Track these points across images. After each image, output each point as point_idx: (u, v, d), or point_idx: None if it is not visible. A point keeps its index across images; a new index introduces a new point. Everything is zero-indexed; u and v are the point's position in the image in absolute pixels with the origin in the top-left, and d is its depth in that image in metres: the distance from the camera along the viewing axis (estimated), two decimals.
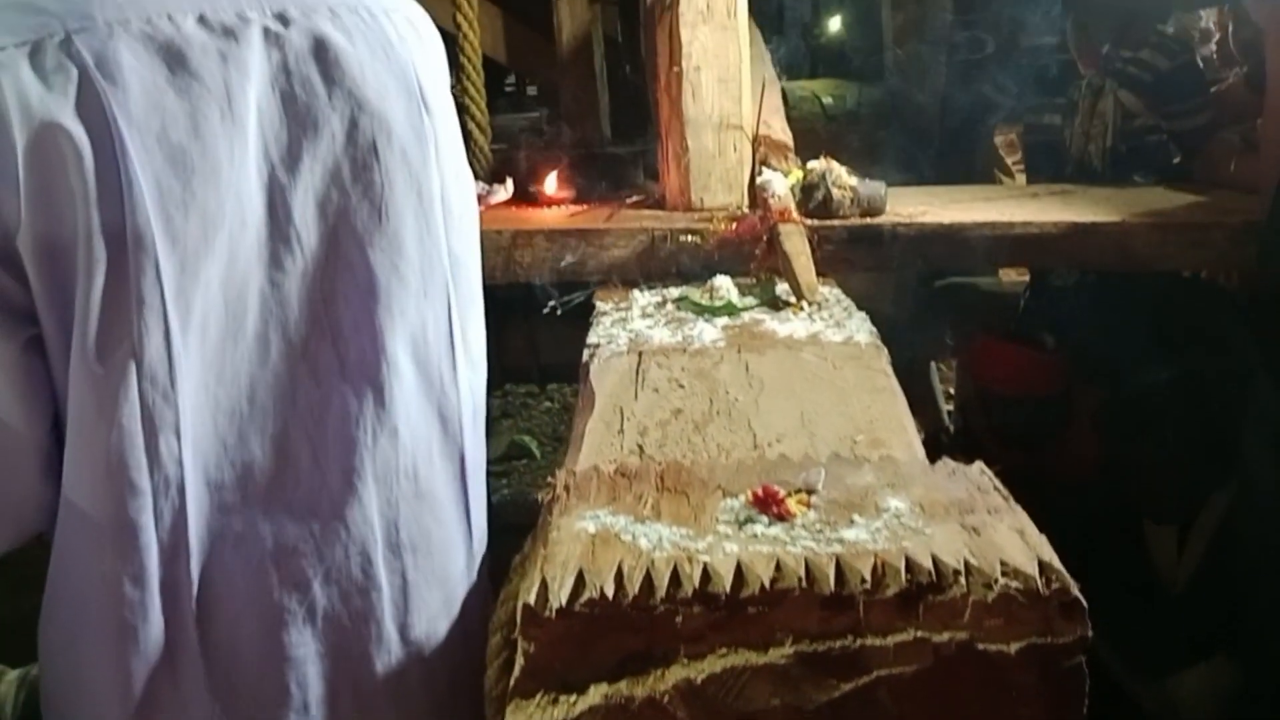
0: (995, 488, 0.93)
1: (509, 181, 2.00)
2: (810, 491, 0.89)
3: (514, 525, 1.20)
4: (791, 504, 0.86)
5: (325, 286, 0.86)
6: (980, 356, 2.89)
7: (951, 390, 3.99)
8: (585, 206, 1.97)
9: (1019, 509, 0.90)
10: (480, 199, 1.72)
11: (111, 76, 0.74)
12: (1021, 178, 3.54)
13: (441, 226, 0.93)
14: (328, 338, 0.87)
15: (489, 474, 1.22)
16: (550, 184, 1.97)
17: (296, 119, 0.84)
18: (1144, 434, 2.36)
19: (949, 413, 3.89)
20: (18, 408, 0.79)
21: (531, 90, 4.42)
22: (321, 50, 0.85)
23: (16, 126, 0.71)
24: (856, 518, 0.85)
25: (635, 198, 1.95)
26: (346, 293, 0.87)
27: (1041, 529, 0.86)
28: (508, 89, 4.61)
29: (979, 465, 0.98)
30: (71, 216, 0.74)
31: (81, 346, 0.76)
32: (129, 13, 0.76)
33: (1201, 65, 2.89)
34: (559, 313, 1.77)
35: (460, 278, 0.98)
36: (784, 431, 1.20)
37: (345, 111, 0.86)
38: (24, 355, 0.78)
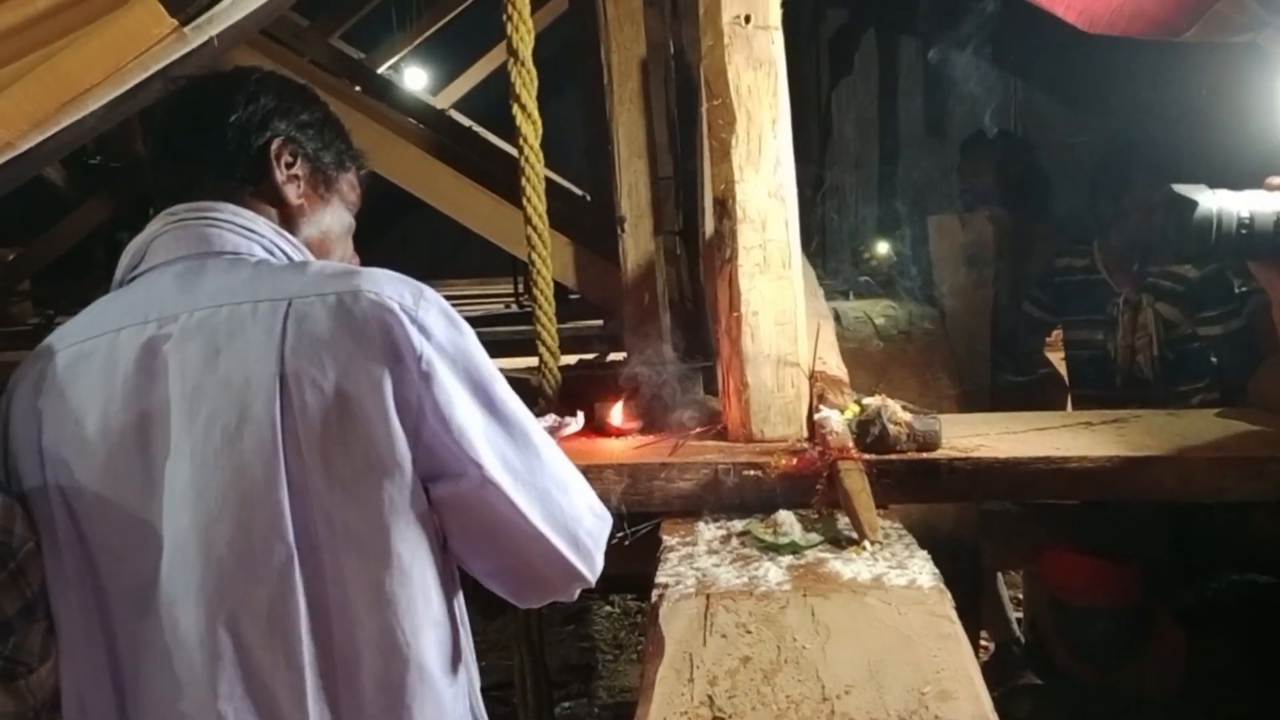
0: None
1: (580, 415, 2.11)
2: None
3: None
4: None
5: None
6: (1051, 567, 2.86)
7: (1020, 596, 3.92)
8: (652, 437, 2.06)
9: None
10: (552, 431, 1.82)
11: None
12: None
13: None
14: None
15: (551, 686, 1.33)
16: (617, 415, 2.08)
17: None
18: (1221, 631, 2.31)
19: (1018, 621, 3.80)
20: None
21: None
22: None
23: None
24: None
25: (699, 429, 2.04)
26: None
27: None
28: (571, 296, 4.84)
29: None
30: None
31: None
32: None
33: (1227, 275, 3.00)
34: (626, 543, 1.83)
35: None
36: (852, 682, 1.23)
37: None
38: None
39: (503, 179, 3.40)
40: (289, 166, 1.22)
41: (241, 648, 1.02)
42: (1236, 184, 1.66)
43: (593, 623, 4.60)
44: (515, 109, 2.36)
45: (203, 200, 1.17)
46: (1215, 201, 1.63)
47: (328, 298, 1.05)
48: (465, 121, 5.54)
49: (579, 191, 5.24)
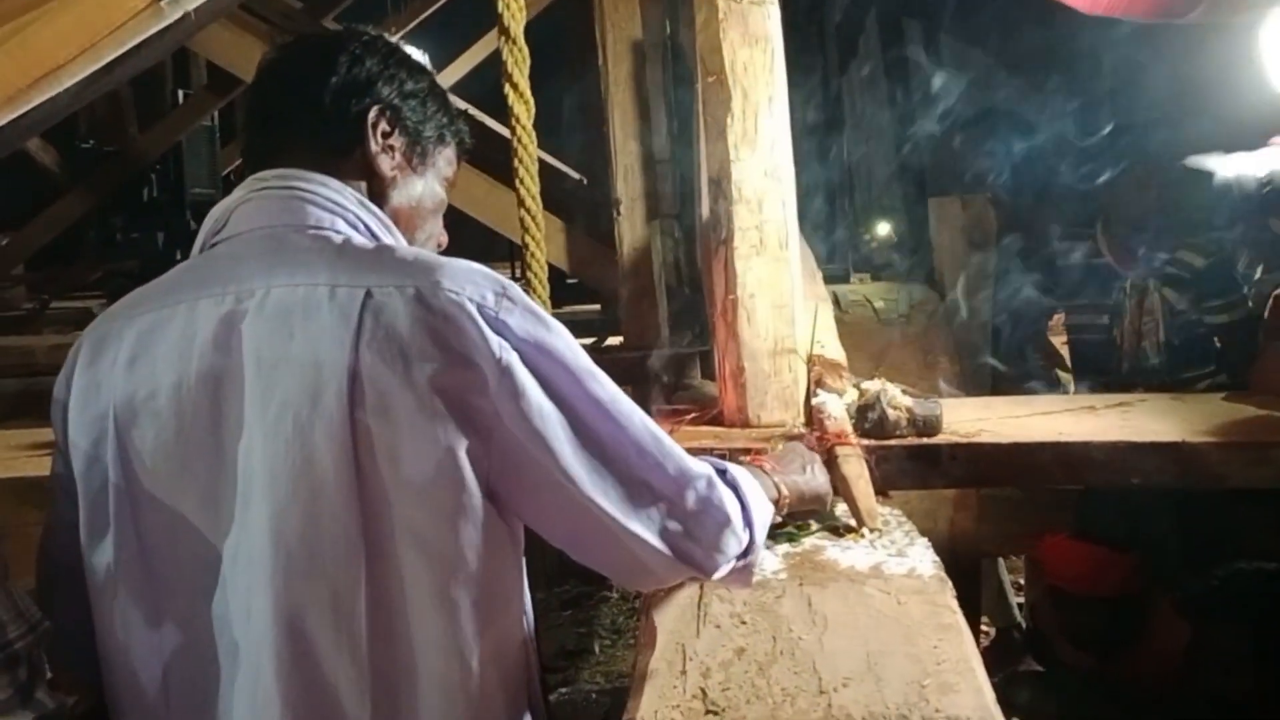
0: None
1: None
2: None
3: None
4: None
5: None
6: (1050, 554, 2.83)
7: (1022, 581, 3.89)
8: (659, 420, 2.02)
9: None
10: None
11: None
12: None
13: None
14: None
15: (546, 670, 1.24)
16: None
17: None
18: (1224, 623, 2.29)
19: (1019, 606, 3.77)
20: None
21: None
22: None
23: None
24: None
25: (694, 414, 2.00)
26: None
27: None
28: (569, 281, 4.81)
29: None
30: None
31: None
32: None
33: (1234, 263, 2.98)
34: None
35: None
36: (850, 674, 1.19)
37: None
38: None
39: (499, 163, 3.35)
40: (385, 136, 1.16)
41: (306, 642, 0.98)
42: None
43: (591, 608, 4.57)
44: (507, 89, 2.30)
45: (291, 167, 1.12)
46: (1231, 167, 1.60)
47: (406, 290, 1.00)
48: (461, 104, 5.49)
49: (576, 175, 5.19)
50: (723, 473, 1.19)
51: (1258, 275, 3.05)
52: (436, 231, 1.26)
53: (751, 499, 1.19)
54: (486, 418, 1.00)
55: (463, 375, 0.98)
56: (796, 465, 1.52)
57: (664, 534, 1.09)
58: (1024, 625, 3.62)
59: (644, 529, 1.07)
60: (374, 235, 1.13)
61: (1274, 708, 2.15)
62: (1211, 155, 1.52)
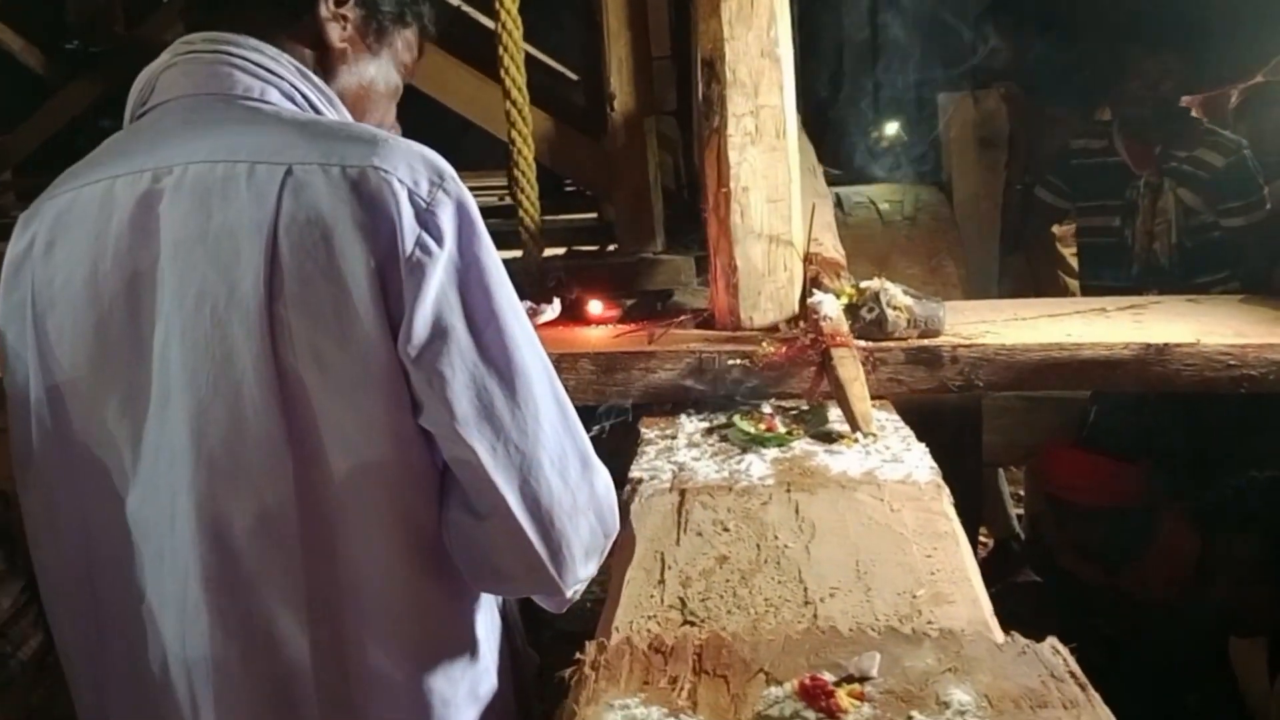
0: (1071, 673, 0.83)
1: (556, 302, 1.97)
2: (864, 680, 0.81)
3: (567, 633, 1.15)
4: (842, 697, 0.78)
5: None
6: (1055, 465, 2.76)
7: (1021, 492, 3.85)
8: (633, 325, 1.93)
9: (1098, 701, 0.80)
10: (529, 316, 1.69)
11: None
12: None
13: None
14: None
15: None
16: (596, 306, 1.94)
17: None
18: (1237, 532, 2.23)
19: (1019, 517, 3.74)
20: None
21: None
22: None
23: None
24: (915, 715, 0.77)
25: (683, 317, 1.90)
26: None
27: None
28: (567, 188, 4.66)
29: (1051, 643, 0.89)
30: None
31: None
32: None
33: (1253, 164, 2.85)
34: (603, 435, 1.72)
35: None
36: (837, 584, 1.13)
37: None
38: None
39: (490, 60, 3.18)
40: (339, 3, 1.06)
41: (234, 553, 0.91)
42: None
43: None
44: None
45: (222, 30, 1.02)
46: None
47: (331, 169, 0.90)
48: (454, 1, 5.27)
49: (572, 76, 4.99)
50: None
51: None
52: (388, 120, 1.15)
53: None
54: (396, 319, 0.89)
55: (384, 267, 0.88)
56: None
57: (542, 528, 0.93)
58: (1022, 536, 3.59)
59: (522, 509, 0.92)
60: (314, 109, 1.03)
61: None
62: None
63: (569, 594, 0.99)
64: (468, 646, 1.02)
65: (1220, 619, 2.24)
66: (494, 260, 0.93)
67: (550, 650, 1.18)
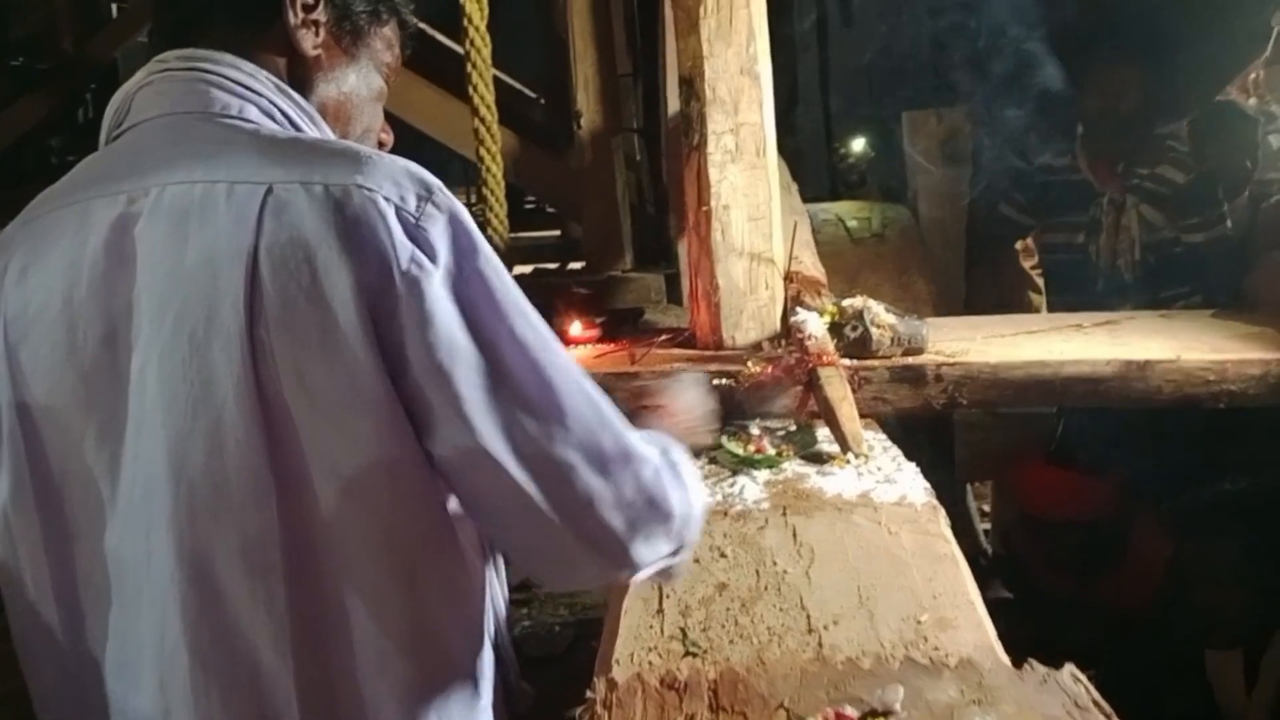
0: (1095, 703, 0.82)
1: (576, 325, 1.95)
2: (888, 714, 0.78)
3: (535, 659, 1.10)
4: None
5: None
6: (1025, 480, 2.77)
7: (985, 508, 3.86)
8: (614, 345, 1.90)
9: None
10: None
11: None
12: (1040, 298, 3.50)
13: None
14: None
15: (510, 604, 1.11)
16: (575, 326, 1.91)
17: None
18: (1211, 541, 2.25)
19: (985, 533, 3.75)
20: None
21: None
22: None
23: None
24: None
25: (663, 336, 1.88)
26: None
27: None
28: (527, 205, 4.63)
29: (1070, 671, 0.87)
30: None
31: None
32: None
33: (1215, 180, 2.89)
34: None
35: None
36: (840, 611, 1.10)
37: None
38: None
39: (454, 77, 3.14)
40: (307, 9, 1.00)
41: (215, 590, 0.86)
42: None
43: None
44: None
45: (198, 47, 0.98)
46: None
47: (314, 188, 0.86)
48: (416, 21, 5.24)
49: (534, 96, 4.96)
50: (665, 452, 0.99)
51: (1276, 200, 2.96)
52: (376, 126, 1.11)
53: (695, 490, 1.00)
54: (397, 341, 0.85)
55: (374, 289, 0.84)
56: (684, 400, 1.30)
57: (591, 528, 0.89)
58: (989, 552, 3.60)
59: (564, 517, 0.88)
60: (294, 125, 0.99)
61: (1260, 623, 2.11)
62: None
63: (645, 573, 0.96)
64: (461, 683, 0.98)
65: (1195, 629, 2.26)
66: (495, 268, 0.89)
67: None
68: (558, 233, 5.03)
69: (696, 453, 1.52)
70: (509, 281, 0.89)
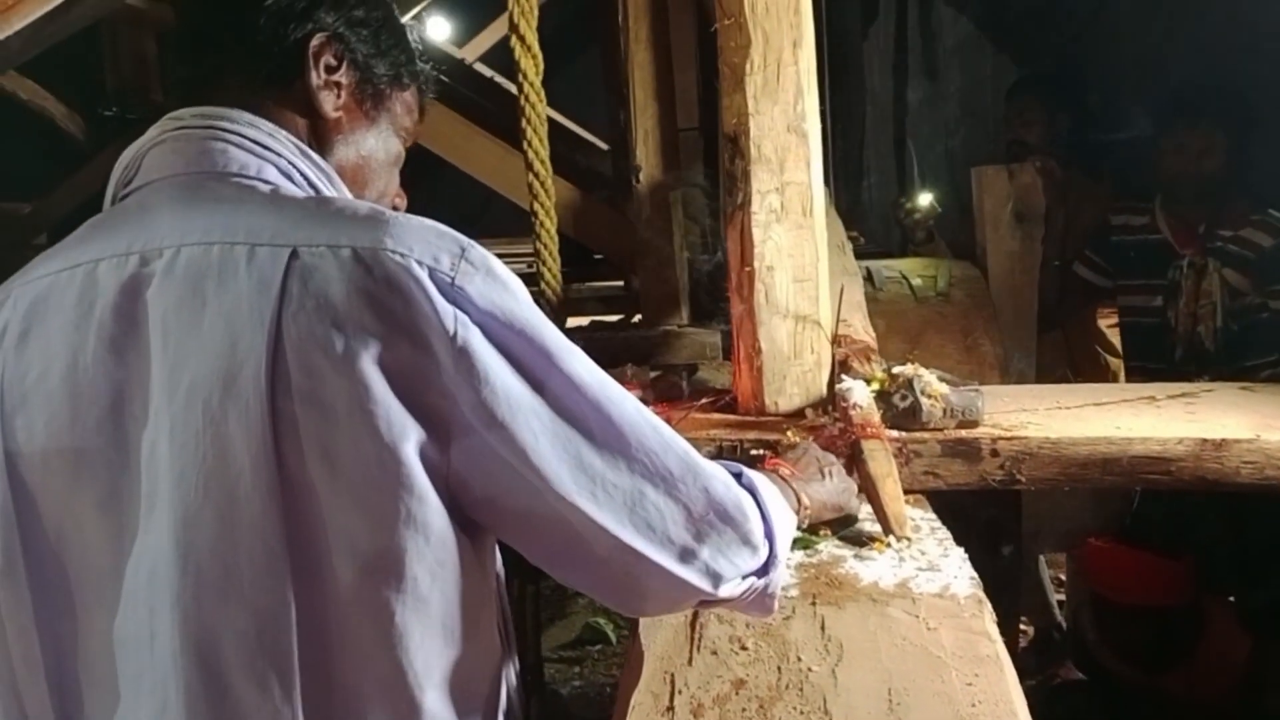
0: None
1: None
2: None
3: None
4: None
5: None
6: (1096, 558, 2.62)
7: (1063, 576, 3.68)
8: (656, 406, 1.83)
9: None
10: None
11: None
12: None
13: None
14: None
15: (562, 661, 1.07)
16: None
17: None
18: None
19: (1060, 604, 3.57)
20: None
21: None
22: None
23: None
24: None
25: (704, 400, 1.81)
26: None
27: None
28: (596, 256, 4.62)
29: None
30: None
31: None
32: None
33: None
34: None
35: None
36: (867, 716, 1.01)
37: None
38: None
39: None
40: (330, 71, 0.99)
41: (222, 679, 0.82)
42: None
43: None
44: (514, 41, 2.13)
45: (215, 105, 0.96)
46: None
47: (341, 251, 0.83)
48: (487, 73, 5.31)
49: (601, 145, 4.98)
50: (738, 475, 1.00)
51: None
52: (391, 190, 1.08)
53: (772, 507, 1.00)
54: (442, 409, 0.82)
55: (411, 357, 0.81)
56: (814, 469, 1.34)
57: (665, 546, 0.90)
58: (1064, 625, 3.41)
59: (639, 539, 0.88)
60: (312, 187, 0.96)
61: None
62: None
63: (734, 590, 0.97)
64: None
65: None
66: (535, 315, 0.87)
67: None
68: (621, 284, 5.01)
69: (841, 522, 1.42)
70: (549, 323, 0.87)
